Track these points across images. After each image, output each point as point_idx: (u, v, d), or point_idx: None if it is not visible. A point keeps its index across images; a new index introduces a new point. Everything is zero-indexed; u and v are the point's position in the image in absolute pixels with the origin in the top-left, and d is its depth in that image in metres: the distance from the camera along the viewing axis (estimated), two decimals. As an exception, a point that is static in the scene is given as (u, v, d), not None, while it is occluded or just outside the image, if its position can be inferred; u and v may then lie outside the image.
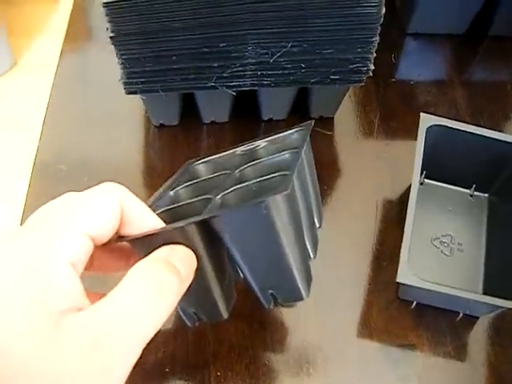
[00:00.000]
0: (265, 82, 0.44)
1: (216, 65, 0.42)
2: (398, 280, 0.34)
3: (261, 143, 0.37)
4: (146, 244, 0.24)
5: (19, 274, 0.20)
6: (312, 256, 0.35)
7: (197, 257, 0.25)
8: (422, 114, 0.42)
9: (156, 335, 0.21)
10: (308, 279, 0.29)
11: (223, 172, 0.34)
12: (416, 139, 0.41)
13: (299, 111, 0.50)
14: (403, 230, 0.37)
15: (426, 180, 0.47)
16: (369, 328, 0.39)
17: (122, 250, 0.27)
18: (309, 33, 0.41)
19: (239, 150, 0.38)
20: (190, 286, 0.24)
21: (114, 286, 0.21)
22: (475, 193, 0.47)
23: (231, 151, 0.38)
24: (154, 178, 0.47)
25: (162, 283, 0.22)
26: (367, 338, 0.39)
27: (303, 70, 0.44)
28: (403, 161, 0.47)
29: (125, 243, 0.25)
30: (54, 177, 0.46)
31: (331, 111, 0.51)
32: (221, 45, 0.41)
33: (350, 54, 0.43)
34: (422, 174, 0.45)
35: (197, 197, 0.31)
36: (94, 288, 0.23)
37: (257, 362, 0.37)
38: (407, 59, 0.59)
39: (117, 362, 0.20)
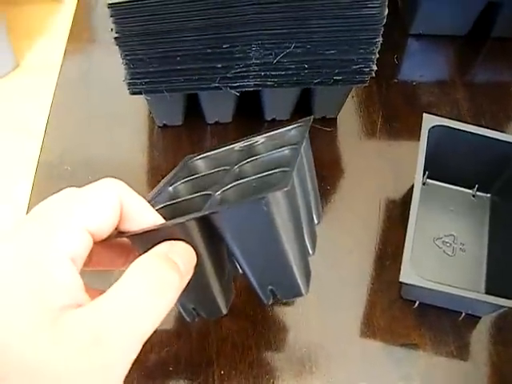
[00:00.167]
0: (268, 83, 0.44)
1: (220, 65, 0.42)
2: (400, 280, 0.35)
3: (259, 139, 0.37)
4: (146, 240, 0.24)
5: (19, 269, 0.20)
6: (311, 252, 0.35)
7: (196, 253, 0.25)
8: (424, 114, 0.43)
9: (160, 334, 0.21)
10: (307, 276, 0.29)
11: (222, 168, 0.34)
12: (418, 139, 0.41)
13: (302, 111, 0.50)
14: (406, 229, 0.37)
15: (428, 180, 0.47)
16: (371, 327, 0.40)
17: (121, 246, 0.27)
18: (312, 34, 0.41)
19: (237, 145, 0.38)
20: (189, 282, 0.24)
21: (113, 282, 0.21)
22: (477, 193, 0.47)
23: (229, 147, 0.38)
24: (157, 178, 0.47)
25: (161, 279, 0.22)
26: (370, 338, 0.39)
27: (306, 71, 0.44)
28: (406, 161, 0.48)
29: (124, 239, 0.25)
30: (57, 177, 0.47)
31: (334, 112, 0.52)
32: (224, 46, 0.41)
33: (352, 54, 0.43)
34: (424, 174, 0.45)
35: (196, 192, 0.31)
36: (93, 284, 0.23)
37: (260, 361, 0.37)
38: (410, 60, 0.59)
39: (116, 358, 0.20)
